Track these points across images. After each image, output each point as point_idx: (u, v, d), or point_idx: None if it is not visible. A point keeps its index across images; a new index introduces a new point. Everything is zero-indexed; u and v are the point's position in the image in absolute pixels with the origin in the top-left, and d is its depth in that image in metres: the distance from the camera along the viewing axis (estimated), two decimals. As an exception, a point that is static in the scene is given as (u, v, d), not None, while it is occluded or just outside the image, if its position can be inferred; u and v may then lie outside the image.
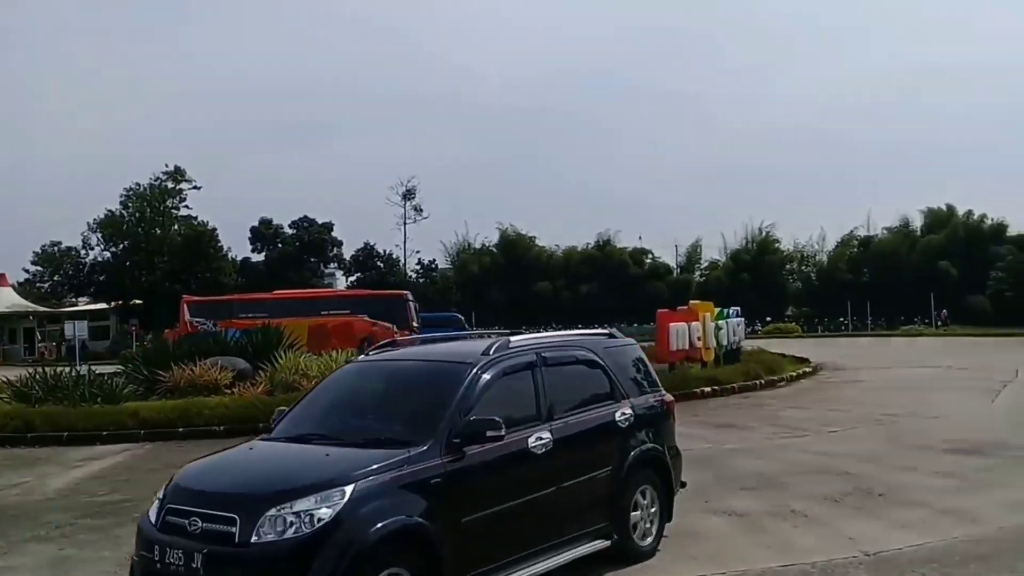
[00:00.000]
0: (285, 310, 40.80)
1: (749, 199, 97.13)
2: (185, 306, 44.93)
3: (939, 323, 50.43)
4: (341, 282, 67.13)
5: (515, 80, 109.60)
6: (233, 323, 41.73)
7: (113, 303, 55.11)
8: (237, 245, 62.49)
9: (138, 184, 55.31)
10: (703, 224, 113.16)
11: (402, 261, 61.29)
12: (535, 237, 64.51)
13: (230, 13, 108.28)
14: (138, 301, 53.87)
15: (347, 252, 63.75)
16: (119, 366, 18.43)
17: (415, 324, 38.84)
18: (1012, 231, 58.30)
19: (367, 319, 37.02)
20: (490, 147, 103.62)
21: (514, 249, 63.37)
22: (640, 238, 65.30)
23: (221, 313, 40.82)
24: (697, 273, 65.22)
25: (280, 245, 62.41)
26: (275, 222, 63.28)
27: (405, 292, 43.84)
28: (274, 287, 58.84)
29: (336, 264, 64.96)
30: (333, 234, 63.47)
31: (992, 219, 59.28)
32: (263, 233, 62.74)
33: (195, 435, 11.89)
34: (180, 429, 12.13)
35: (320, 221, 63.39)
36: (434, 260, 63.00)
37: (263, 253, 62.81)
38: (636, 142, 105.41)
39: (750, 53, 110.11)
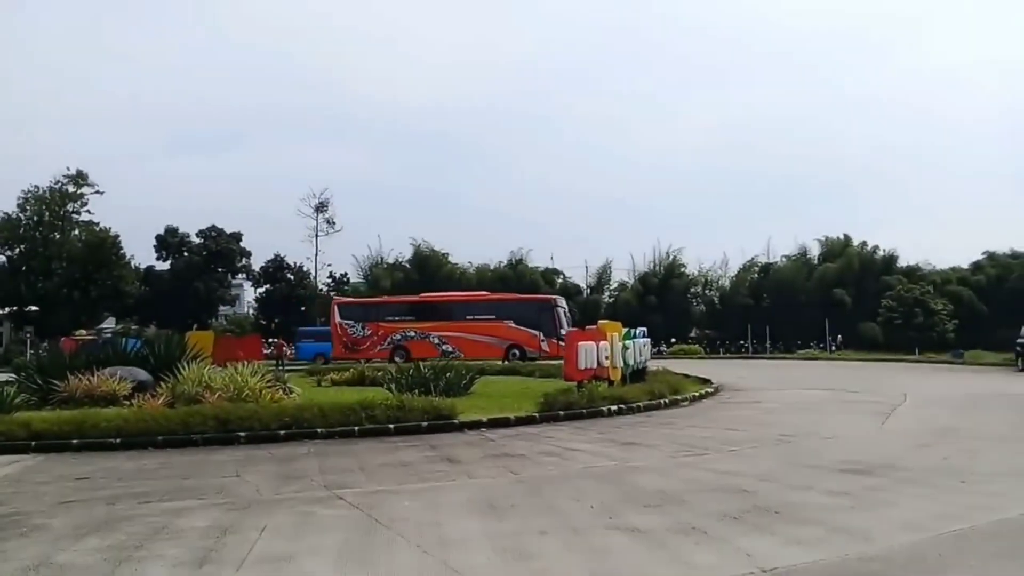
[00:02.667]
0: (432, 313, 40.01)
1: (658, 223, 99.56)
2: (336, 308, 43.06)
3: (833, 348, 52.38)
4: (249, 293, 65.71)
5: (431, 98, 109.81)
6: (381, 326, 40.23)
7: (7, 309, 52.45)
8: (141, 253, 60.63)
9: (36, 187, 53.04)
10: (614, 246, 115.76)
11: (313, 274, 60.23)
12: (448, 254, 64.51)
13: (151, 12, 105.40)
14: (34, 308, 51.44)
15: (256, 263, 62.43)
16: (11, 374, 17.53)
17: (563, 331, 37.40)
18: (902, 262, 61.25)
19: (512, 325, 36.87)
20: (405, 163, 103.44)
21: (427, 265, 63.09)
22: (552, 258, 66.11)
23: (369, 316, 41.15)
24: (607, 294, 66.22)
25: (186, 254, 60.70)
26: (181, 230, 61.65)
27: (554, 297, 42.67)
28: (179, 296, 57.18)
29: (244, 275, 63.52)
30: (242, 244, 62.17)
31: (884, 250, 62.17)
32: (168, 241, 61.00)
33: (90, 447, 11.44)
34: (75, 441, 11.60)
35: (229, 231, 61.96)
36: (346, 274, 62.38)
37: (168, 262, 60.95)
38: (550, 163, 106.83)
39: (662, 78, 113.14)
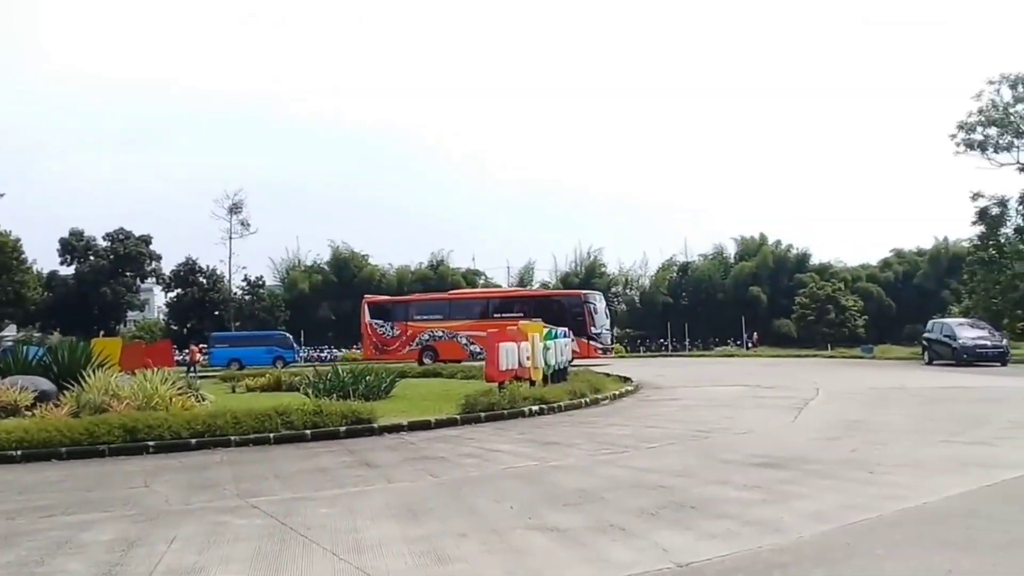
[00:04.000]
0: (461, 311, 38.43)
1: (578, 223, 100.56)
2: (366, 307, 41.21)
3: (749, 344, 53.74)
4: (160, 298, 63.86)
5: (348, 98, 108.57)
6: (410, 326, 38.74)
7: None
8: (44, 257, 58.34)
9: (-73, 189, 50.40)
10: (536, 246, 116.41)
11: (227, 277, 58.80)
12: (368, 255, 64.03)
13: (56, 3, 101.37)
14: (-73, 314, 48.99)
15: (167, 266, 60.62)
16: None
17: (595, 330, 35.10)
18: (814, 260, 63.27)
19: (541, 323, 34.68)
20: (322, 163, 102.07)
21: (346, 267, 62.52)
22: (474, 259, 66.35)
23: (399, 315, 39.67)
24: (528, 294, 66.47)
25: (92, 258, 58.56)
26: (87, 234, 59.48)
27: (585, 292, 40.65)
28: (84, 302, 55.12)
29: (154, 279, 61.59)
30: (152, 247, 60.27)
31: (797, 249, 64.08)
32: (73, 245, 58.83)
33: (-12, 461, 10.88)
34: (-28, 455, 11.01)
35: (137, 233, 60.03)
36: (261, 277, 61.08)
37: (73, 266, 58.74)
38: (470, 162, 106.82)
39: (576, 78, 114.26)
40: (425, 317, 39.09)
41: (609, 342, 37.47)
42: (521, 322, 20.39)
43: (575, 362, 33.17)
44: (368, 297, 43.89)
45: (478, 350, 33.89)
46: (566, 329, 23.48)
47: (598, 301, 37.28)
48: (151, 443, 11.65)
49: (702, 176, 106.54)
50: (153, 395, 14.34)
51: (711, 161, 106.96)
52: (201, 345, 45.27)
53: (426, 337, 38.29)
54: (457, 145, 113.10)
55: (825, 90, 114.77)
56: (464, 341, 36.90)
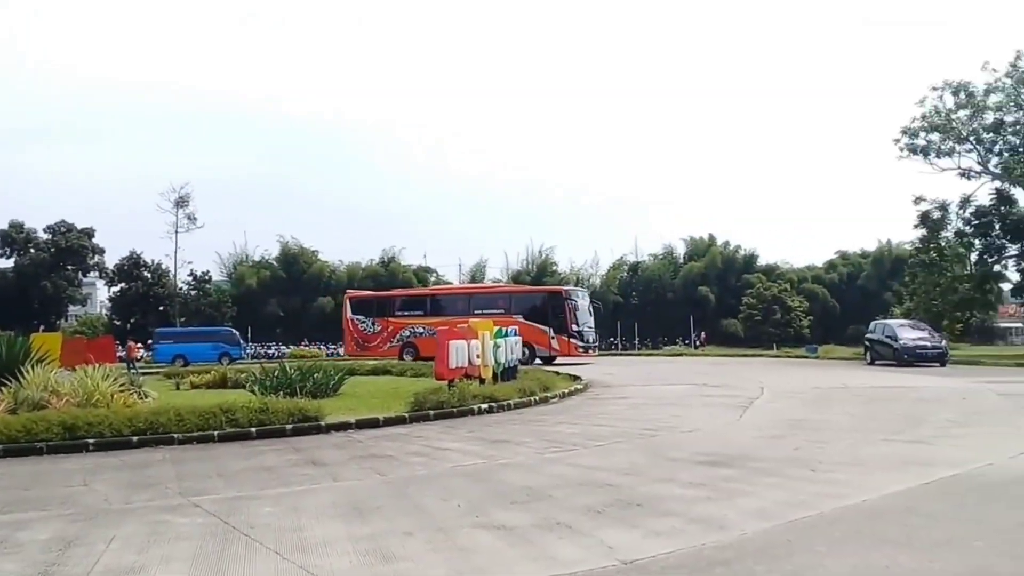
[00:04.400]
0: (441, 307, 37.12)
1: (530, 221, 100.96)
2: (347, 302, 40.18)
3: (697, 344, 54.41)
4: (103, 292, 62.48)
5: (298, 93, 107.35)
6: (391, 322, 37.62)
7: None
8: (-20, 251, 56.60)
9: None
10: (488, 244, 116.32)
11: (172, 272, 57.67)
12: (318, 251, 63.35)
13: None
14: None
15: (110, 260, 59.24)
16: None
17: (576, 327, 33.92)
18: (761, 261, 64.29)
19: (522, 320, 32.85)
20: (270, 157, 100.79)
21: (295, 263, 61.81)
22: (425, 256, 66.23)
23: (380, 310, 38.62)
24: (480, 293, 66.50)
25: (32, 251, 57.05)
26: (27, 226, 57.91)
27: (565, 288, 39.71)
28: (24, 296, 53.64)
29: (97, 273, 60.15)
30: (94, 241, 58.87)
31: (745, 250, 65.05)
32: (13, 238, 57.28)
33: (-81, 460, 10.54)
34: (-97, 454, 10.65)
35: (80, 226, 58.61)
36: (208, 272, 59.97)
37: (12, 259, 57.17)
38: (422, 158, 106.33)
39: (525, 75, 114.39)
40: (406, 313, 38.44)
41: (591, 340, 36.45)
42: (471, 320, 20.32)
43: (558, 360, 32.61)
44: (350, 292, 43.40)
45: None
46: (516, 327, 23.40)
47: (580, 298, 36.32)
48: (91, 441, 11.38)
49: (653, 176, 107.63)
50: (94, 392, 14.00)
51: (662, 161, 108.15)
52: (138, 344, 44.21)
53: (407, 334, 37.42)
54: (411, 141, 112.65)
55: (772, 92, 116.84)
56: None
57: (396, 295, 42.16)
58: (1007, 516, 6.68)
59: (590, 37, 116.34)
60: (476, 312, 33.17)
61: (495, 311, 33.21)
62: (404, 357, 34.98)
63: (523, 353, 31.22)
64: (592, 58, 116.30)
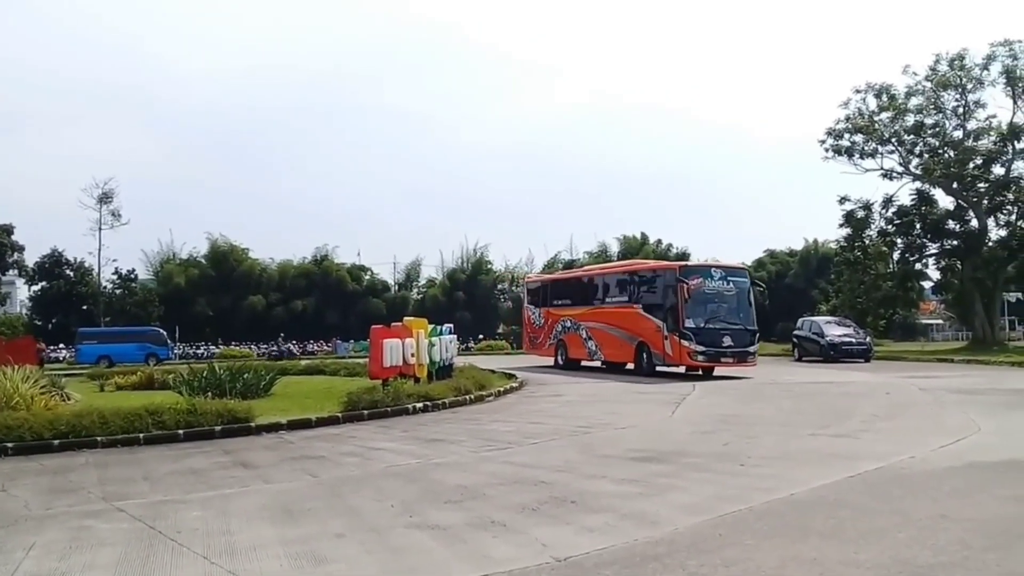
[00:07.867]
0: (585, 295, 28.53)
1: (466, 219, 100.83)
2: (525, 288, 33.84)
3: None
4: (23, 291, 60.34)
5: (226, 89, 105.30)
6: (551, 314, 29.86)
7: None
8: None
9: None
10: (423, 243, 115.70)
11: (96, 270, 55.89)
12: (248, 249, 62.13)
13: None
14: None
15: (30, 258, 57.07)
16: None
17: (692, 324, 22.79)
18: (693, 259, 65.26)
19: (641, 312, 24.74)
20: (199, 153, 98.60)
21: (225, 261, 60.53)
22: (359, 254, 65.55)
23: (545, 299, 30.96)
24: (415, 291, 66.40)
25: (-54, 249, 54.69)
26: (-59, 223, 55.52)
27: (683, 263, 30.65)
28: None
29: (16, 271, 57.94)
30: (13, 238, 56.66)
31: (677, 248, 65.94)
32: (-75, 234, 54.80)
33: None
34: None
35: (-2, 223, 56.41)
36: (134, 270, 58.20)
37: (-77, 257, 54.79)
38: (356, 156, 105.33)
39: (465, 77, 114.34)
40: (561, 302, 29.87)
41: (727, 344, 23.49)
42: (406, 319, 20.16)
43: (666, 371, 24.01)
44: (529, 277, 36.36)
45: (595, 348, 27.08)
46: (451, 325, 23.16)
47: (711, 278, 23.84)
48: (10, 444, 10.98)
49: (586, 172, 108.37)
50: (13, 394, 13.51)
51: (594, 156, 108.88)
52: (49, 347, 42.68)
53: (559, 329, 29.20)
54: (341, 135, 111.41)
55: (704, 91, 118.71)
56: (584, 335, 27.46)
57: (555, 279, 33.71)
58: (929, 508, 6.88)
59: (527, 20, 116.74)
60: (607, 301, 26.65)
61: (619, 299, 26.21)
62: (558, 360, 28.88)
63: (644, 357, 24.23)
64: (521, 45, 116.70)
